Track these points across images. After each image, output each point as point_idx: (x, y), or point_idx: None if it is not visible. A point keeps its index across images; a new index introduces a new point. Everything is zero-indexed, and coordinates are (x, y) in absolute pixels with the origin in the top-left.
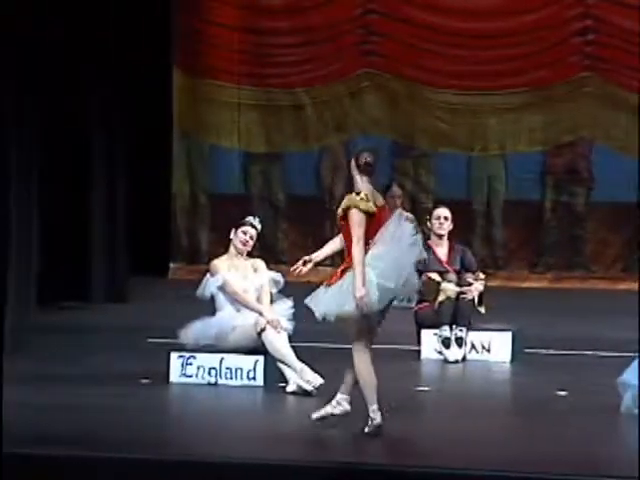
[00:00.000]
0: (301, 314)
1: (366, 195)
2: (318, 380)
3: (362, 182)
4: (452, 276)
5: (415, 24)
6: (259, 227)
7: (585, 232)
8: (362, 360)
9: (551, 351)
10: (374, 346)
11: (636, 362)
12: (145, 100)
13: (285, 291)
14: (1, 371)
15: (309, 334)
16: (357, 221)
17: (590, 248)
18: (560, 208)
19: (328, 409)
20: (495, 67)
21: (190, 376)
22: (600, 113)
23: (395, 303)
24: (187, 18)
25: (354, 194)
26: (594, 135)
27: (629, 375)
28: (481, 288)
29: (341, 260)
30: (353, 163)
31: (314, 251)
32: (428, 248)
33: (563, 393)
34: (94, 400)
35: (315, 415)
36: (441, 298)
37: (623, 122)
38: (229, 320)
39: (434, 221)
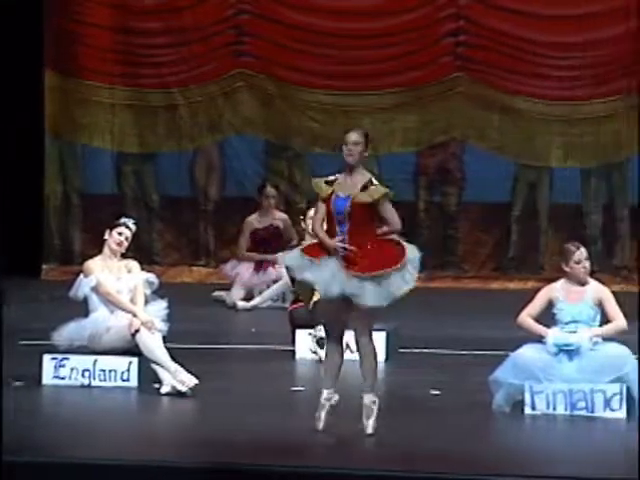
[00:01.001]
0: (175, 315)
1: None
2: (192, 381)
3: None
4: None
5: (287, 24)
6: (134, 228)
7: (457, 232)
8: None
9: (425, 350)
10: (248, 346)
11: (508, 360)
12: (16, 101)
13: (159, 292)
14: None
15: (183, 335)
16: (393, 210)
17: (462, 248)
18: (433, 208)
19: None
20: (368, 67)
21: (63, 378)
22: (472, 114)
23: (270, 303)
24: (59, 18)
25: (378, 185)
26: (466, 135)
27: (501, 373)
28: None
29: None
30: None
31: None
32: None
33: (436, 392)
34: None
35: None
36: (316, 298)
37: (495, 123)
38: (103, 321)
39: (308, 221)
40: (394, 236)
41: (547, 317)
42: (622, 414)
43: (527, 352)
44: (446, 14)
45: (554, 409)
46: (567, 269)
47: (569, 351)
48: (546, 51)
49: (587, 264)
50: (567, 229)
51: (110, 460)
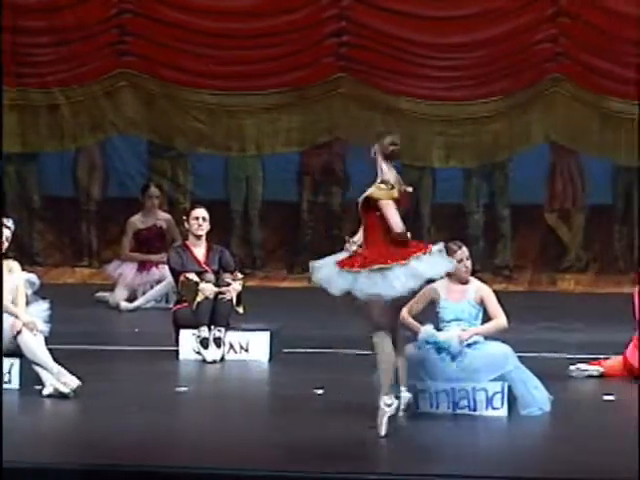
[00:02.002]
0: (57, 316)
1: (392, 184)
2: (75, 382)
3: (388, 169)
4: (210, 276)
5: (170, 24)
6: (13, 228)
7: (341, 232)
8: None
9: (309, 350)
10: (132, 347)
11: None
12: None
13: (41, 293)
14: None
15: (65, 336)
16: (391, 211)
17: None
18: (317, 208)
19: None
20: (251, 67)
21: None
22: (355, 114)
23: (153, 303)
24: None
25: (381, 184)
26: (350, 135)
27: None
28: (239, 288)
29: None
30: (377, 149)
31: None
32: (186, 249)
33: (320, 392)
34: None
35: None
36: (199, 298)
37: (378, 123)
38: None
39: (192, 222)
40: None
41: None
42: (504, 412)
43: (409, 352)
44: (329, 15)
45: (437, 408)
46: None
47: (450, 350)
48: (428, 52)
49: (469, 263)
50: (449, 228)
51: None
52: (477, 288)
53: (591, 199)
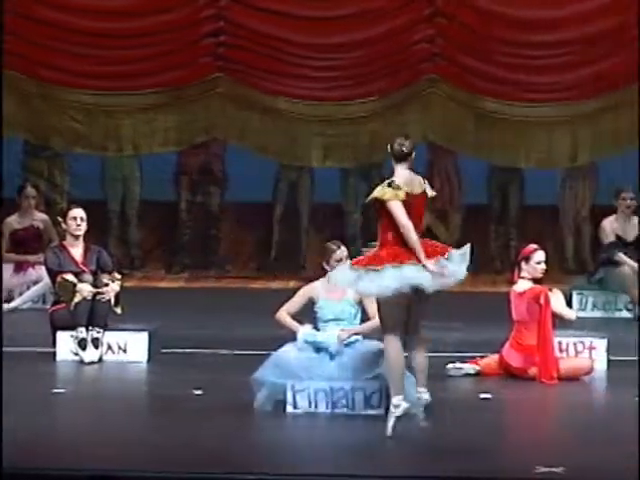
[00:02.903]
0: None
1: (398, 185)
2: None
3: (400, 170)
4: (88, 277)
5: (45, 23)
6: None
7: (219, 232)
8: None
9: (188, 350)
10: (9, 348)
11: (270, 359)
12: None
13: None
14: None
15: None
16: (398, 212)
17: (225, 247)
18: (195, 208)
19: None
20: (128, 67)
21: None
22: (233, 114)
23: (30, 304)
24: None
25: (385, 185)
26: (228, 135)
27: (262, 372)
28: (117, 289)
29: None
30: (389, 150)
31: None
32: (63, 249)
33: (199, 392)
34: None
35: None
36: (77, 299)
37: (257, 123)
38: None
39: (70, 222)
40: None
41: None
42: (382, 411)
43: (289, 351)
44: (206, 15)
45: (316, 407)
46: (328, 268)
47: (329, 349)
48: (306, 52)
49: (348, 263)
50: (328, 228)
51: None
52: None
53: (467, 199)
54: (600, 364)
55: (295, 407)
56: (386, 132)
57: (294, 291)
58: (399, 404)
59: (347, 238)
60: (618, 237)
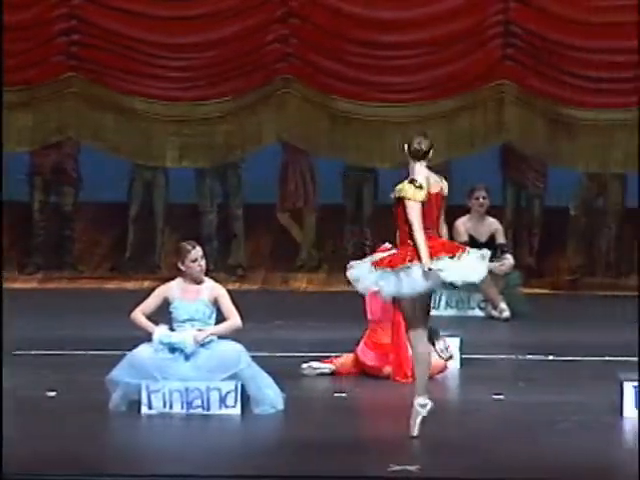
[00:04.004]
0: None
1: (420, 184)
2: None
3: (419, 168)
4: None
5: None
6: None
7: (73, 232)
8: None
9: (42, 352)
10: None
11: (125, 360)
12: None
13: None
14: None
15: None
16: (413, 210)
17: (78, 248)
18: (48, 209)
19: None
20: None
21: None
22: (87, 114)
23: None
24: None
25: (407, 182)
26: (81, 135)
27: (117, 373)
28: None
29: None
30: (406, 150)
31: None
32: None
33: (52, 393)
34: None
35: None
36: None
37: (111, 123)
38: None
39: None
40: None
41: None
42: (237, 411)
43: (143, 351)
44: (58, 13)
45: (170, 408)
46: (183, 268)
47: (185, 350)
48: (160, 52)
49: (203, 263)
50: (183, 228)
51: None
52: (211, 288)
53: (322, 199)
54: (454, 362)
55: (150, 407)
56: (241, 132)
57: (149, 291)
58: (425, 403)
59: (202, 238)
60: (471, 237)
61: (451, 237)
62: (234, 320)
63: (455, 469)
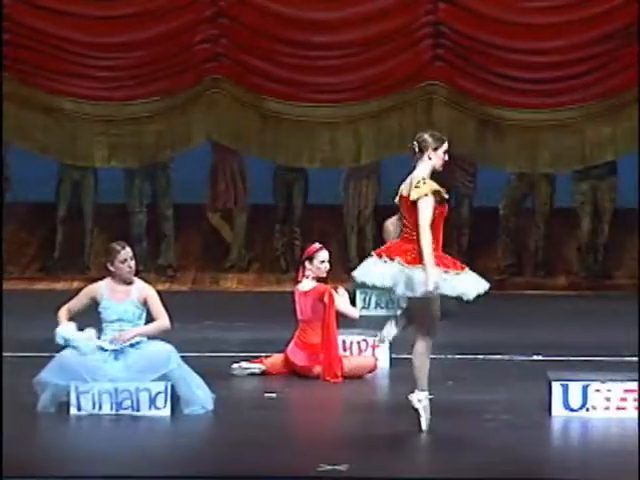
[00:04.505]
0: None
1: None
2: None
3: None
4: None
5: None
6: None
7: (2, 233)
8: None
9: None
10: None
11: (54, 361)
12: None
13: None
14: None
15: None
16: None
17: (7, 249)
18: None
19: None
20: None
21: None
22: (16, 114)
23: None
24: None
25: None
26: (10, 136)
27: (46, 374)
28: None
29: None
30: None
31: None
32: None
33: None
34: None
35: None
36: None
37: (40, 123)
38: None
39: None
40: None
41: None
42: (167, 412)
43: (72, 353)
44: None
45: (100, 409)
46: (112, 268)
47: (115, 350)
48: (89, 51)
49: (132, 263)
50: (112, 229)
51: None
52: (141, 288)
53: (252, 199)
54: (383, 362)
55: (79, 409)
56: (170, 132)
57: (77, 291)
58: (423, 399)
59: (132, 238)
60: None
61: (381, 237)
62: (163, 321)
63: (384, 468)
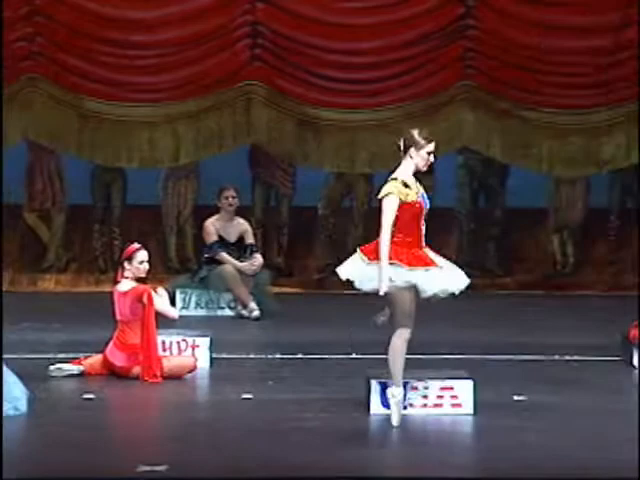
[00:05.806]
0: None
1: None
2: None
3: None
4: None
5: None
6: None
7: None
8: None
9: None
10: None
11: None
12: None
13: None
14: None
15: None
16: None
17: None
18: None
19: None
20: None
21: None
22: None
23: None
24: None
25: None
26: None
27: None
28: None
29: None
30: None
31: None
32: None
33: None
34: None
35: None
36: None
37: None
38: None
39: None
40: None
41: None
42: None
43: None
44: None
45: None
46: None
47: None
48: None
49: None
50: None
51: None
52: None
53: (71, 199)
54: (203, 362)
55: None
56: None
57: None
58: (397, 394)
59: None
60: (221, 237)
61: (201, 237)
62: None
63: (204, 469)
